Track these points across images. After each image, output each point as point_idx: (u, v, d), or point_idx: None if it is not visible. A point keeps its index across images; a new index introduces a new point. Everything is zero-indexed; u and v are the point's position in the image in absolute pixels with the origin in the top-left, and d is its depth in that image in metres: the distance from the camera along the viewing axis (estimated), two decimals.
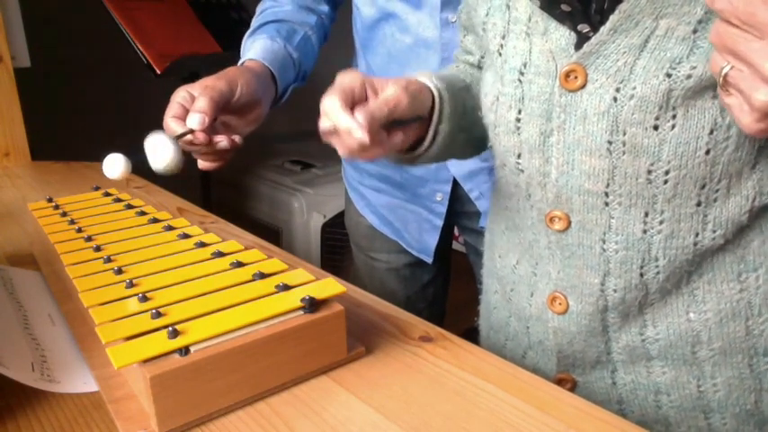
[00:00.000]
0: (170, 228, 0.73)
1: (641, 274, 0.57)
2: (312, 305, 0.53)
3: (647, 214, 0.55)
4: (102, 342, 0.48)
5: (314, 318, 0.53)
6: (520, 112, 0.59)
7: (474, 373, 0.55)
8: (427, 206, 1.08)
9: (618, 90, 0.53)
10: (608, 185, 0.56)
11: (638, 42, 0.51)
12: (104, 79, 2.27)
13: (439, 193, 1.06)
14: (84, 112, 2.27)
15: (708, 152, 0.52)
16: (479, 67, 0.73)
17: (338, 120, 0.53)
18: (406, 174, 1.08)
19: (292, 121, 2.35)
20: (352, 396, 0.52)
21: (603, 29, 0.52)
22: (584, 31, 0.54)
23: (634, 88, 0.52)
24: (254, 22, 1.01)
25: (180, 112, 0.77)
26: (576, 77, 0.55)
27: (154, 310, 0.51)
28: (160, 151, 0.68)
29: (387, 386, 0.53)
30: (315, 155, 2.44)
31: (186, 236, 0.70)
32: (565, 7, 0.54)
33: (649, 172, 0.53)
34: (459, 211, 1.09)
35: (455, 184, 1.04)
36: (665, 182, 0.53)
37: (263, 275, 0.58)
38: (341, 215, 2.00)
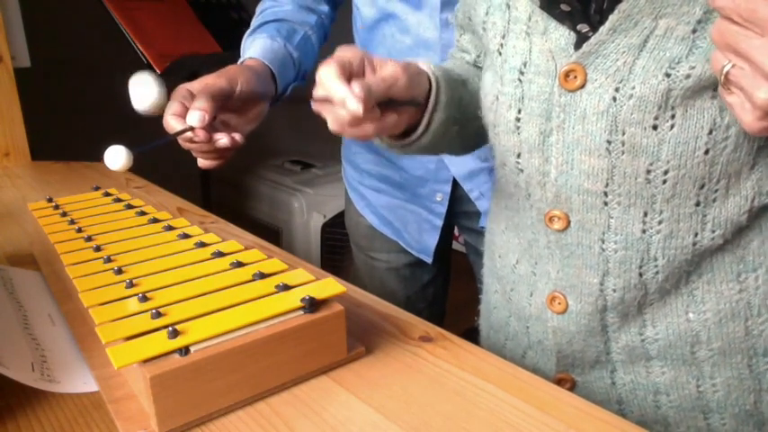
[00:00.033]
0: (170, 228, 0.73)
1: (640, 274, 0.57)
2: (312, 305, 0.53)
3: (645, 214, 0.55)
4: (102, 342, 0.48)
5: (314, 318, 0.53)
6: (519, 111, 0.59)
7: (474, 373, 0.55)
8: (427, 206, 1.08)
9: (617, 90, 0.53)
10: (607, 185, 0.56)
11: (637, 42, 0.51)
12: (104, 79, 2.26)
13: (439, 193, 1.06)
14: (84, 112, 2.27)
15: (707, 152, 0.52)
16: (475, 66, 0.73)
17: (333, 89, 0.52)
18: (406, 174, 1.08)
19: (292, 121, 2.35)
20: (352, 396, 0.52)
21: (603, 29, 0.52)
22: (584, 30, 0.54)
23: (633, 88, 0.52)
24: (254, 22, 1.01)
25: (180, 109, 0.77)
26: (575, 77, 0.55)
27: (154, 310, 0.51)
28: (143, 91, 0.67)
29: (387, 386, 0.53)
30: (315, 155, 2.44)
31: (186, 236, 0.70)
32: (564, 7, 0.54)
33: (648, 172, 0.53)
34: (459, 211, 1.09)
35: (455, 184, 1.04)
36: (664, 182, 0.53)
37: (263, 275, 0.59)
38: (341, 215, 2.00)
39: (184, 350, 0.47)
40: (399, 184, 1.10)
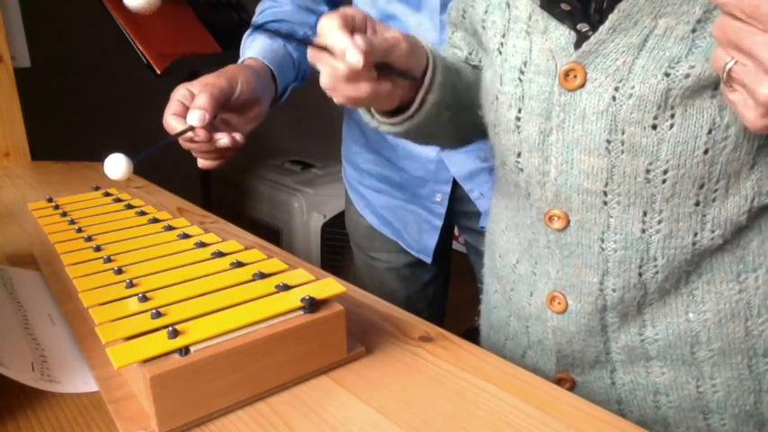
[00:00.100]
0: (170, 228, 0.73)
1: (640, 274, 0.57)
2: (312, 305, 0.53)
3: (645, 214, 0.55)
4: (102, 342, 0.48)
5: (314, 318, 0.53)
6: (520, 110, 0.59)
7: (474, 373, 0.55)
8: (427, 207, 1.08)
9: (617, 89, 0.53)
10: (606, 185, 0.56)
11: (636, 42, 0.51)
12: (104, 79, 2.27)
13: (438, 193, 1.06)
14: (84, 112, 2.27)
15: (706, 152, 0.52)
16: (466, 63, 0.72)
17: (334, 38, 0.50)
18: (406, 174, 1.08)
19: (292, 121, 2.36)
20: (352, 396, 0.52)
21: (603, 28, 0.52)
22: (584, 30, 0.54)
23: (633, 87, 0.52)
24: (254, 22, 1.01)
25: (180, 109, 0.77)
26: (575, 76, 0.55)
27: (154, 310, 0.51)
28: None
29: (387, 386, 0.53)
30: (315, 155, 2.44)
31: (186, 236, 0.70)
32: (565, 6, 0.54)
33: (648, 171, 0.53)
34: (459, 211, 1.09)
35: (455, 184, 1.04)
36: (664, 181, 0.53)
37: (263, 275, 0.58)
38: (341, 215, 2.00)
39: (184, 350, 0.47)
40: (399, 184, 1.10)
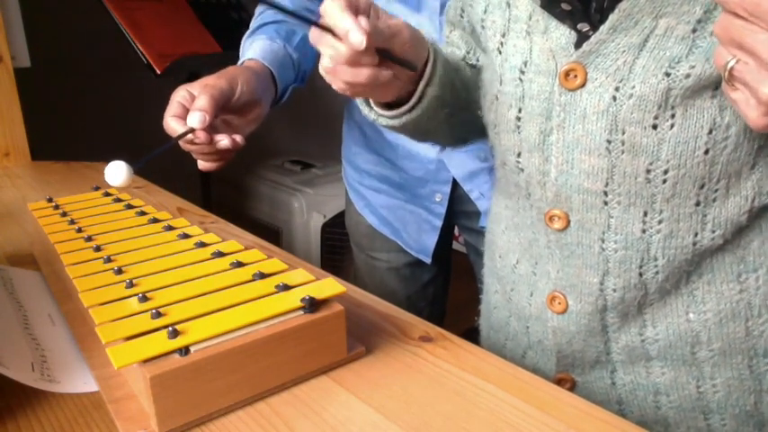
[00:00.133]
0: (170, 228, 0.73)
1: (640, 274, 0.57)
2: (312, 305, 0.53)
3: (645, 214, 0.55)
4: (102, 342, 0.48)
5: (314, 318, 0.53)
6: (520, 110, 0.59)
7: (474, 373, 0.55)
8: (426, 207, 1.08)
9: (617, 89, 0.53)
10: (607, 185, 0.56)
11: (637, 41, 0.51)
12: (104, 79, 2.27)
13: (438, 193, 1.06)
14: (84, 112, 2.27)
15: (707, 152, 0.52)
16: (464, 61, 0.72)
17: (338, 19, 0.50)
18: (406, 174, 1.08)
19: (292, 121, 2.36)
20: (352, 396, 0.52)
21: (603, 28, 0.52)
22: (584, 30, 0.54)
23: (633, 87, 0.52)
24: (254, 23, 1.01)
25: (180, 111, 0.77)
26: (575, 76, 0.55)
27: (154, 310, 0.51)
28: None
29: (387, 386, 0.53)
30: (315, 155, 2.44)
31: (186, 236, 0.70)
32: (565, 6, 0.54)
33: (648, 171, 0.53)
34: (459, 211, 1.09)
35: (454, 183, 1.04)
36: (664, 181, 0.53)
37: (263, 275, 0.58)
38: (341, 215, 2.00)
39: (184, 350, 0.47)
40: (399, 184, 1.10)
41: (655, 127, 0.52)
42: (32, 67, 1.41)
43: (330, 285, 0.57)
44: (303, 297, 0.53)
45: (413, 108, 0.62)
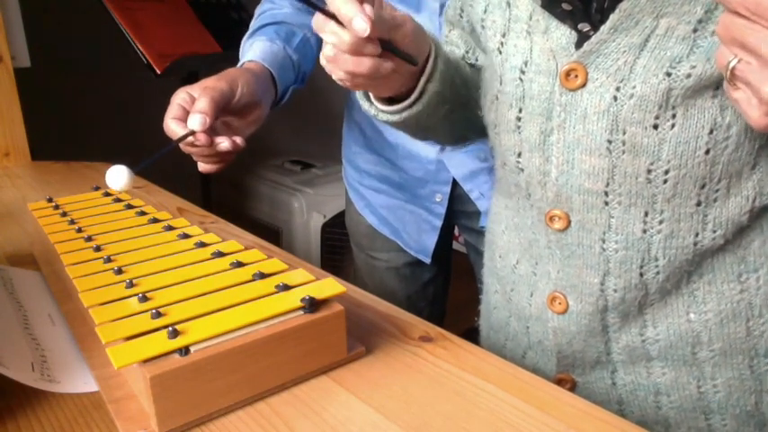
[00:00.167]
0: (170, 228, 0.73)
1: (641, 274, 0.57)
2: (312, 305, 0.53)
3: (646, 214, 0.55)
4: (102, 342, 0.48)
5: (314, 318, 0.53)
6: (520, 110, 0.59)
7: (474, 373, 0.55)
8: (426, 207, 1.08)
9: (618, 89, 0.53)
10: (608, 185, 0.55)
11: (638, 41, 0.51)
12: (104, 79, 2.27)
13: (438, 193, 1.06)
14: (84, 112, 2.27)
15: (707, 152, 0.52)
16: (463, 60, 0.72)
17: (342, 5, 0.49)
18: (406, 175, 1.08)
19: (292, 121, 2.36)
20: (352, 396, 0.52)
21: (604, 28, 0.52)
22: (585, 29, 0.54)
23: (634, 87, 0.52)
24: (253, 25, 1.01)
25: (180, 113, 0.76)
26: (576, 76, 0.54)
27: (154, 310, 0.51)
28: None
29: (387, 386, 0.53)
30: (315, 155, 2.45)
31: (186, 236, 0.70)
32: (566, 6, 0.54)
33: (649, 171, 0.53)
34: (459, 211, 1.09)
35: (454, 184, 1.04)
36: (665, 181, 0.53)
37: (263, 275, 0.58)
38: (341, 215, 2.00)
39: (184, 350, 0.47)
40: (399, 184, 1.10)
41: (656, 127, 0.52)
42: (32, 67, 1.41)
43: (330, 285, 0.57)
44: (303, 297, 0.53)
45: (413, 104, 0.62)
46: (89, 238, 0.69)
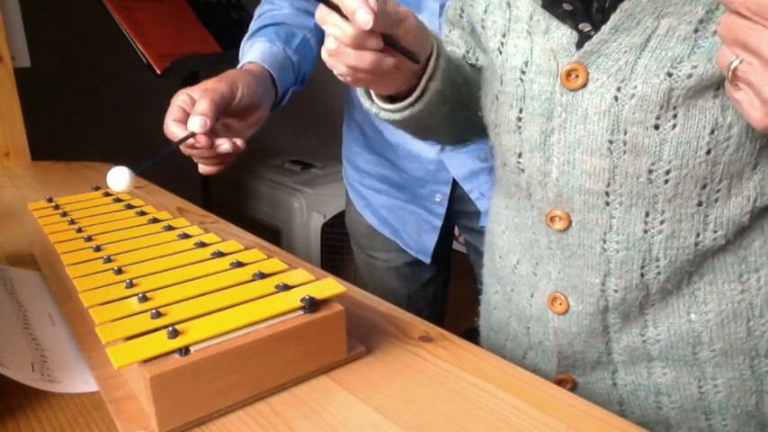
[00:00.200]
0: (170, 228, 0.73)
1: (642, 275, 0.57)
2: (312, 305, 0.53)
3: (647, 214, 0.55)
4: (102, 342, 0.48)
5: (314, 318, 0.53)
6: (521, 111, 0.59)
7: (474, 373, 0.55)
8: (426, 207, 1.08)
9: (619, 89, 0.53)
10: (609, 185, 0.55)
11: (639, 41, 0.51)
12: (104, 79, 2.27)
13: (438, 194, 1.06)
14: (84, 112, 2.27)
15: (709, 152, 0.52)
16: (464, 60, 0.72)
17: None
18: (406, 175, 1.08)
19: (292, 121, 2.36)
20: (352, 396, 0.52)
21: (605, 28, 0.52)
22: (586, 30, 0.54)
23: (635, 87, 0.52)
24: (253, 26, 1.01)
25: (180, 115, 0.76)
26: (577, 76, 0.54)
27: (154, 310, 0.51)
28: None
29: (387, 386, 0.53)
30: (315, 155, 2.44)
31: (186, 236, 0.70)
32: (566, 6, 0.54)
33: (650, 171, 0.53)
34: (459, 211, 1.09)
35: (454, 184, 1.04)
36: (666, 182, 0.53)
37: (263, 275, 0.58)
38: (341, 215, 2.00)
39: (184, 350, 0.47)
40: (399, 184, 1.10)
41: (657, 127, 0.52)
42: (32, 67, 1.41)
43: (330, 285, 0.57)
44: (303, 297, 0.53)
45: (415, 102, 0.62)
46: (89, 238, 0.69)
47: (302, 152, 2.51)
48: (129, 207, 0.82)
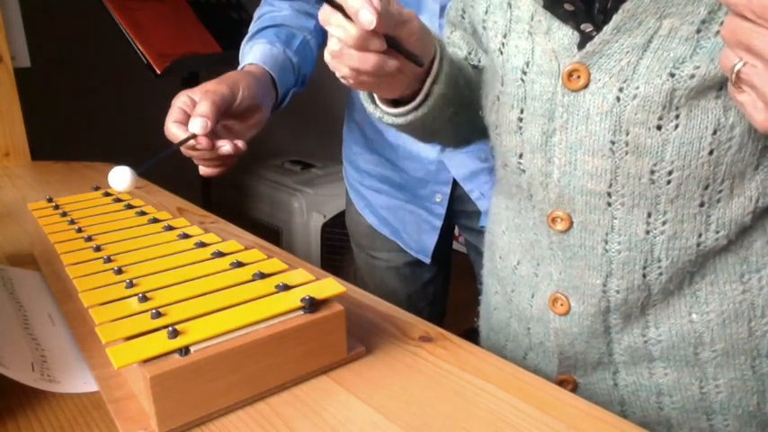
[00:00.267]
0: (170, 228, 0.73)
1: (644, 275, 0.57)
2: (312, 305, 0.53)
3: (649, 215, 0.55)
4: (102, 342, 0.48)
5: (314, 318, 0.53)
6: (522, 111, 0.59)
7: (474, 373, 0.55)
8: (427, 207, 1.08)
9: (621, 90, 0.52)
10: (611, 186, 0.55)
11: (641, 42, 0.51)
12: (104, 79, 2.27)
13: (438, 194, 1.06)
14: (84, 112, 2.27)
15: (711, 152, 0.52)
16: (466, 61, 0.72)
17: None
18: (407, 175, 1.08)
19: (292, 121, 2.36)
20: (352, 396, 0.52)
21: (607, 28, 0.52)
22: (588, 30, 0.54)
23: (637, 88, 0.52)
24: (253, 27, 1.01)
25: (181, 116, 0.76)
26: (578, 77, 0.54)
27: (154, 310, 0.51)
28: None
29: (387, 386, 0.53)
30: (315, 155, 2.44)
31: (186, 236, 0.70)
32: (568, 6, 0.54)
33: (652, 172, 0.53)
34: (460, 211, 1.09)
35: (455, 184, 1.04)
36: (668, 182, 0.53)
37: (263, 275, 0.58)
38: (341, 215, 2.00)
39: (184, 350, 0.47)
40: (399, 184, 1.10)
41: (659, 128, 0.52)
42: (32, 67, 1.41)
43: (330, 285, 0.57)
44: (303, 297, 0.53)
45: (419, 106, 0.61)
46: (89, 238, 0.69)
47: (302, 152, 2.51)
48: (129, 207, 0.81)
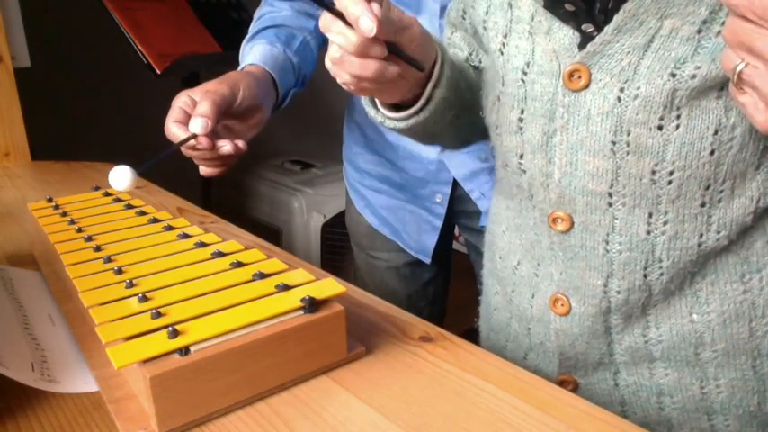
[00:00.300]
0: (170, 228, 0.73)
1: (645, 276, 0.57)
2: (312, 305, 0.53)
3: (651, 215, 0.55)
4: (102, 342, 0.48)
5: (314, 318, 0.53)
6: (522, 112, 0.59)
7: (474, 373, 0.54)
8: (427, 207, 1.08)
9: (622, 90, 0.52)
10: (611, 186, 0.55)
11: (642, 42, 0.51)
12: (104, 79, 2.27)
13: (438, 194, 1.06)
14: (84, 112, 2.27)
15: (712, 153, 0.52)
16: (467, 63, 0.72)
17: (349, 3, 0.48)
18: (407, 175, 1.08)
19: (292, 121, 2.36)
20: (352, 396, 0.52)
21: (608, 28, 0.52)
22: (588, 30, 0.54)
23: (638, 88, 0.52)
24: (253, 28, 1.01)
25: (182, 116, 0.76)
26: (579, 77, 0.54)
27: (154, 310, 0.51)
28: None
29: (387, 386, 0.53)
30: (315, 155, 2.44)
31: (186, 236, 0.70)
32: (569, 7, 0.54)
33: (653, 172, 0.53)
34: (460, 211, 1.09)
35: (455, 184, 1.04)
36: (670, 182, 0.53)
37: (263, 275, 0.58)
38: (341, 215, 2.00)
39: (184, 350, 0.47)
40: (399, 184, 1.10)
41: (660, 128, 0.52)
42: (32, 67, 1.41)
43: (330, 285, 0.56)
44: (303, 297, 0.53)
45: (420, 110, 0.61)
46: (89, 238, 0.69)
47: (302, 152, 2.51)
48: (129, 207, 0.81)
